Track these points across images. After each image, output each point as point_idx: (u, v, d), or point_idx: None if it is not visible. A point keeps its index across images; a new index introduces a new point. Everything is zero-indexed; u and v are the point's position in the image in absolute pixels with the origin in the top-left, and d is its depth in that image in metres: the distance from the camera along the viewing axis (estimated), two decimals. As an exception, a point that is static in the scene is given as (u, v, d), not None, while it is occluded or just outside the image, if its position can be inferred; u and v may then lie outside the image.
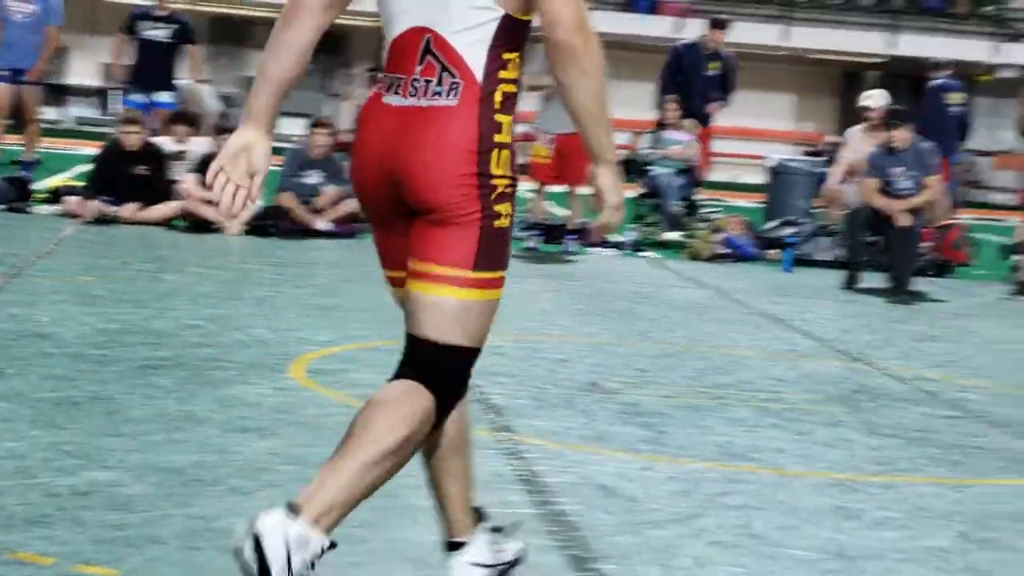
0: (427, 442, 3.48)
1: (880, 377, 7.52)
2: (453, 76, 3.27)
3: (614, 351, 7.74)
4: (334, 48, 28.17)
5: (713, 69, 15.02)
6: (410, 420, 3.28)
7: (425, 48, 3.29)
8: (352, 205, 12.54)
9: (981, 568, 4.24)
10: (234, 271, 10.14)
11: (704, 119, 15.01)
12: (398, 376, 3.34)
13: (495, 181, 3.27)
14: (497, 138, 3.28)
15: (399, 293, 3.46)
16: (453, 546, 3.61)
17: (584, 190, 11.38)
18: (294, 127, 23.61)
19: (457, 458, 3.57)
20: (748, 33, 25.14)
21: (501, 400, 6.11)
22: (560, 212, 13.74)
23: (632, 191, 14.83)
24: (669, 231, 14.12)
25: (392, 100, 3.32)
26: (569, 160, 12.19)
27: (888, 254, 11.58)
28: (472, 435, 3.63)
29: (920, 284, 11.43)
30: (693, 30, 25.17)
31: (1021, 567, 4.30)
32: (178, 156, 13.15)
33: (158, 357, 6.50)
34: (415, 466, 4.84)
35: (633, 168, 14.20)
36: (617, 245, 13.18)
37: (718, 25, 15.52)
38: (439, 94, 3.27)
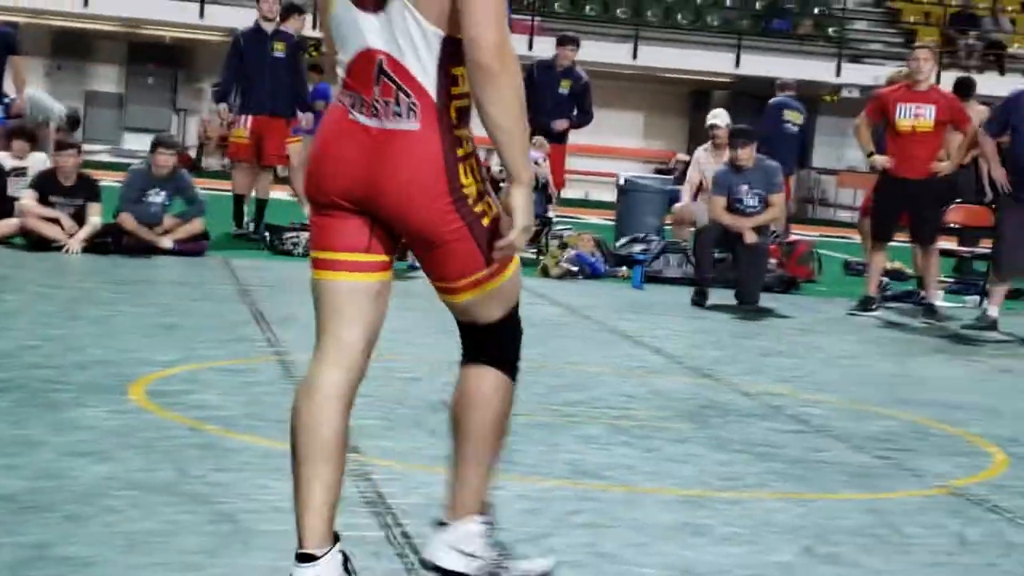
0: (302, 444, 3.60)
1: (728, 392, 7.59)
2: (409, 96, 3.50)
3: (464, 369, 7.68)
4: (180, 62, 27.79)
5: (565, 87, 15.02)
6: (495, 400, 3.75)
7: (379, 70, 3.51)
8: (197, 226, 12.34)
9: (826, 583, 4.28)
10: (74, 290, 9.90)
11: (559, 137, 14.99)
12: (465, 359, 3.80)
13: (467, 190, 3.56)
14: (460, 152, 3.56)
15: (317, 275, 3.66)
16: (303, 558, 3.55)
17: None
18: (140, 143, 23.19)
19: (329, 466, 3.59)
20: (598, 51, 25.31)
21: (351, 422, 6.02)
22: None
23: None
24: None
25: (359, 118, 3.56)
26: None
27: (736, 271, 11.73)
28: (346, 452, 3.60)
29: (767, 300, 11.58)
30: (545, 48, 25.31)
31: (865, 581, 4.34)
32: (17, 172, 12.81)
33: (-7, 379, 6.32)
34: (254, 489, 4.77)
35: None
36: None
37: (565, 42, 15.36)
38: (399, 115, 3.51)
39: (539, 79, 14.91)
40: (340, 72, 3.60)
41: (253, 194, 14.06)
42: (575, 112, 15.09)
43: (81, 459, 5.02)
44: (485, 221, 3.58)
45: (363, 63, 3.52)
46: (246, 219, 13.96)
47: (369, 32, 3.50)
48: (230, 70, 13.79)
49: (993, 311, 11.36)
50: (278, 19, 13.76)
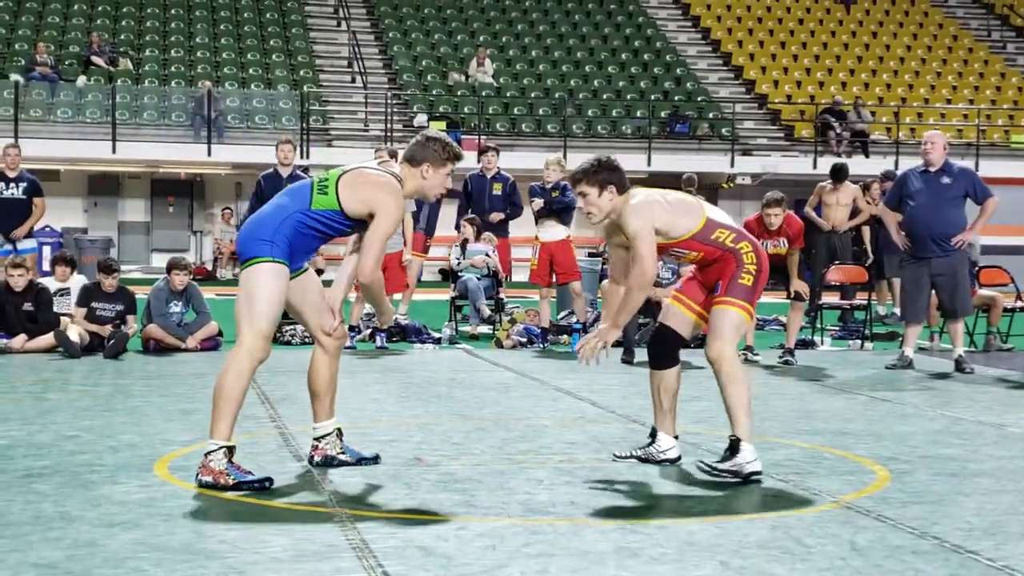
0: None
1: (654, 434, 7.46)
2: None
3: (434, 429, 7.59)
4: (194, 193, 27.76)
5: (497, 190, 14.90)
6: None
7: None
8: (214, 327, 12.23)
9: (739, 590, 4.18)
10: (109, 387, 9.74)
11: (502, 232, 14.86)
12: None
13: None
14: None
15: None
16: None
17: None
18: (165, 261, 22.98)
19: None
20: (534, 161, 25.33)
21: (338, 480, 5.92)
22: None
23: (447, 294, 14.77)
24: (480, 326, 14.06)
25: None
26: (389, 273, 12.42)
27: (657, 333, 11.63)
28: None
29: (685, 354, 11.46)
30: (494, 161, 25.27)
31: (771, 586, 4.25)
32: (62, 292, 12.77)
33: (39, 466, 6.19)
34: (257, 544, 4.62)
35: (448, 276, 14.22)
36: (436, 341, 13.07)
37: (486, 151, 15.04)
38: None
39: (475, 187, 14.78)
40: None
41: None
42: (507, 208, 14.84)
43: (112, 529, 4.89)
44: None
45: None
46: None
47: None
48: (252, 205, 13.97)
49: (909, 352, 11.38)
50: (292, 164, 13.88)
